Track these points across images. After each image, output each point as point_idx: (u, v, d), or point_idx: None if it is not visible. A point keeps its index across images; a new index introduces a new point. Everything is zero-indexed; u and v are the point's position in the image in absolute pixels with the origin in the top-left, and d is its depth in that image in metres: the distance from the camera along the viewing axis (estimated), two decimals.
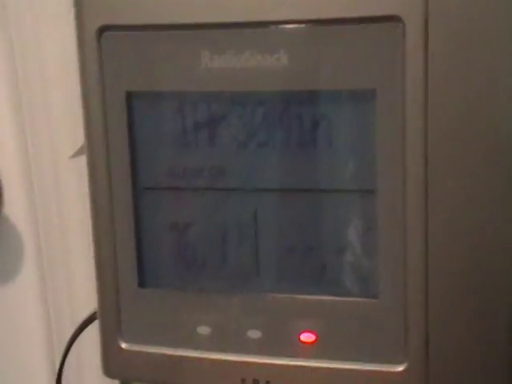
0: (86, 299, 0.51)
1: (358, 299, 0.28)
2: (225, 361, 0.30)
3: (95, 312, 0.32)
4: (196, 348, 0.30)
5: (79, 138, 0.48)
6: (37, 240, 0.52)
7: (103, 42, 0.29)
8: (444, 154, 0.27)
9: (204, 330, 0.30)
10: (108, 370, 0.31)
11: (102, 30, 0.28)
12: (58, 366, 0.41)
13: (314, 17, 0.27)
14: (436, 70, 0.26)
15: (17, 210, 0.51)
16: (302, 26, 0.27)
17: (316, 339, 0.29)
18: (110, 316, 0.31)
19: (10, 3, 0.47)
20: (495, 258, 0.27)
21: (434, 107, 0.27)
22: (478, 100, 0.26)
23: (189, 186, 0.30)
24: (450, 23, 0.26)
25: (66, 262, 0.52)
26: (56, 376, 0.38)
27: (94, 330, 0.36)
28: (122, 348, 0.31)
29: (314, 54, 0.27)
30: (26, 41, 0.47)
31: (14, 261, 0.54)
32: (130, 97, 0.29)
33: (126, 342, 0.31)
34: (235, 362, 0.30)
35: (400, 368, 0.28)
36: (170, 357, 0.30)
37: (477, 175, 0.27)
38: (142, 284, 0.30)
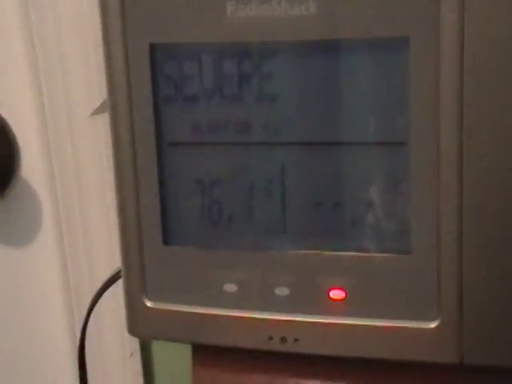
0: (106, 261, 0.52)
1: (390, 255, 0.28)
2: (252, 318, 0.29)
3: (118, 272, 0.32)
4: (222, 306, 0.30)
5: (96, 97, 0.48)
6: (55, 202, 0.52)
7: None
8: (479, 103, 0.26)
9: (230, 287, 0.30)
10: (133, 328, 0.31)
11: None
12: (78, 329, 0.41)
13: None
14: (472, 15, 0.26)
15: (35, 172, 0.51)
16: None
17: (345, 296, 0.29)
18: (135, 274, 0.31)
19: None
20: None
21: (470, 55, 0.26)
22: None
23: (214, 140, 0.29)
24: None
25: (84, 224, 0.52)
26: (79, 336, 0.38)
27: (115, 290, 0.36)
28: (147, 306, 0.31)
29: (343, 2, 0.27)
30: (42, 2, 0.47)
31: (33, 223, 0.54)
32: (153, 49, 0.29)
33: (152, 300, 0.31)
34: (262, 320, 0.29)
35: (433, 324, 0.28)
36: (196, 315, 0.30)
37: None
38: (166, 241, 0.30)
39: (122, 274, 0.31)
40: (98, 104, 0.45)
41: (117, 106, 0.29)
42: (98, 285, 0.39)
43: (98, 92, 0.46)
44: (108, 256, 0.51)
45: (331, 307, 0.29)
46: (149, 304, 0.31)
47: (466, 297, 0.28)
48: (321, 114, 0.28)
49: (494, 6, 0.26)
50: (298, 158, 0.29)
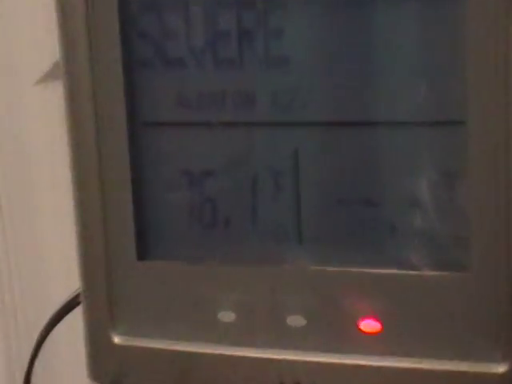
0: (60, 277, 0.44)
1: (441, 273, 0.21)
2: (255, 358, 0.23)
3: (76, 295, 0.26)
4: (217, 341, 0.23)
5: (46, 57, 0.40)
6: None
7: None
8: None
9: (227, 316, 0.23)
10: (95, 372, 0.24)
11: None
12: (20, 374, 0.34)
13: None
14: None
15: None
16: None
17: (381, 328, 0.22)
18: (99, 300, 0.24)
19: None
20: None
21: None
22: None
23: (206, 119, 0.23)
24: None
25: (31, 226, 0.44)
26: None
27: (71, 321, 0.29)
28: (115, 343, 0.24)
29: None
30: None
31: None
32: None
33: (121, 334, 0.24)
34: (270, 360, 0.23)
35: (500, 369, 0.21)
36: (181, 354, 0.24)
37: None
38: (142, 255, 0.24)
39: (82, 299, 0.24)
40: (47, 67, 0.38)
41: (73, 73, 0.23)
42: (49, 311, 0.32)
43: (48, 51, 0.39)
44: (63, 271, 0.43)
45: (362, 343, 0.22)
46: (117, 340, 0.24)
47: None
48: (346, 84, 0.22)
49: None
50: (317, 143, 0.23)
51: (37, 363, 0.29)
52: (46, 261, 0.42)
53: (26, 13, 0.36)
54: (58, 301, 0.29)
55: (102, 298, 0.24)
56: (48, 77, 0.33)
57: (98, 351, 0.25)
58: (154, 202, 0.24)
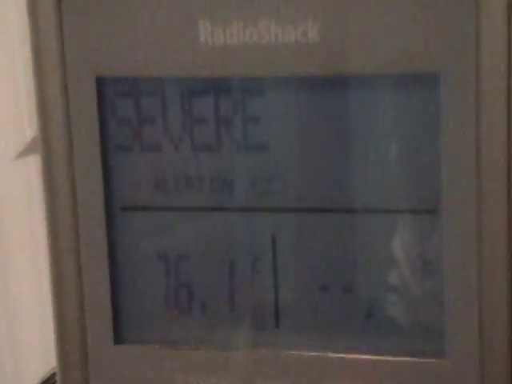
0: (37, 351, 0.43)
1: (417, 359, 0.22)
2: None
3: (53, 375, 0.26)
4: None
5: (27, 135, 0.41)
6: None
7: (64, 10, 0.22)
8: None
9: None
10: None
11: None
12: None
13: None
14: None
15: None
16: None
17: None
18: (74, 381, 0.24)
19: None
20: None
21: None
22: None
23: (182, 205, 0.23)
24: None
25: (7, 295, 0.44)
26: None
27: None
28: None
29: (353, 27, 0.21)
30: None
31: None
32: (101, 84, 0.23)
33: None
34: None
35: None
36: None
37: None
38: (118, 339, 0.23)
39: (58, 381, 0.24)
40: (27, 141, 0.38)
41: (52, 156, 0.23)
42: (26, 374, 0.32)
43: (29, 125, 0.39)
44: (40, 344, 0.43)
45: None
46: None
47: None
48: (323, 171, 0.22)
49: None
50: (294, 228, 0.23)
51: None
52: (22, 330, 0.41)
53: (9, 84, 0.37)
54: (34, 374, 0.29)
55: (77, 378, 0.24)
56: (28, 151, 0.34)
57: None
58: (131, 286, 0.24)
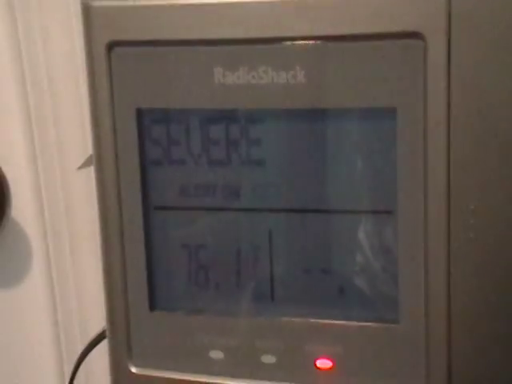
0: (96, 307, 0.52)
1: (377, 324, 0.28)
2: None
3: (104, 331, 0.33)
4: (208, 373, 0.30)
5: (89, 147, 0.49)
6: (45, 245, 0.53)
7: (113, 58, 0.29)
8: (468, 174, 0.27)
9: (217, 354, 0.30)
10: None
11: (112, 45, 0.29)
12: (67, 382, 0.41)
13: (331, 33, 0.27)
14: (459, 86, 0.26)
15: (25, 214, 0.52)
16: (319, 42, 0.27)
17: (333, 365, 0.29)
18: (120, 339, 0.31)
19: (18, 16, 0.47)
20: None
21: (458, 126, 0.27)
22: (505, 117, 0.26)
23: (201, 205, 0.30)
24: (474, 38, 0.26)
25: (75, 267, 0.53)
26: None
27: (104, 347, 0.36)
28: (132, 372, 0.31)
29: (331, 71, 0.27)
30: (35, 51, 0.48)
31: (23, 265, 0.55)
32: (140, 114, 0.29)
33: (137, 366, 0.31)
34: None
35: None
36: (182, 382, 0.30)
37: (502, 194, 0.27)
38: (152, 307, 0.30)
39: (107, 337, 0.31)
40: (90, 152, 0.46)
41: (103, 168, 0.30)
42: (90, 327, 0.38)
43: (91, 139, 0.47)
44: (100, 300, 0.51)
45: (318, 377, 0.29)
46: (134, 370, 0.31)
47: (454, 366, 0.28)
48: (308, 181, 0.29)
49: (480, 77, 0.26)
50: (286, 225, 0.29)
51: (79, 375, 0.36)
52: (86, 289, 0.50)
53: (76, 107, 0.45)
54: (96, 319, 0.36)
55: (121, 337, 0.31)
56: (85, 165, 0.41)
57: (119, 378, 0.31)
58: (162, 267, 0.31)
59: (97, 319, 0.51)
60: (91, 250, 0.53)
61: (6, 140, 0.53)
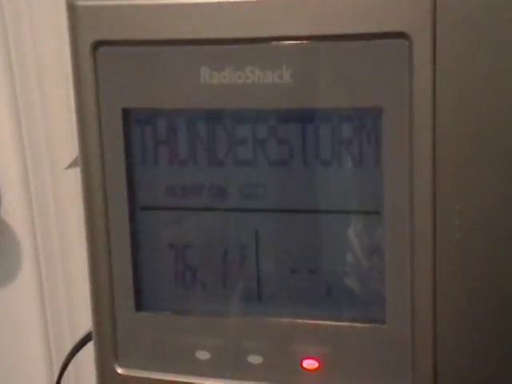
0: (85, 306, 0.52)
1: (364, 325, 0.28)
2: None
3: (90, 332, 0.33)
4: (195, 373, 0.30)
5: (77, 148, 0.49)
6: (34, 244, 0.53)
7: (98, 57, 0.29)
8: (453, 175, 0.27)
9: (203, 354, 0.30)
10: None
11: (98, 44, 0.29)
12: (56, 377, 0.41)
13: (317, 33, 0.27)
14: (444, 86, 0.26)
15: (14, 214, 0.52)
16: (305, 42, 0.27)
17: (319, 366, 0.29)
18: (106, 339, 0.31)
19: (7, 16, 0.47)
20: (510, 279, 0.27)
21: (443, 126, 0.27)
22: (489, 116, 0.27)
23: (188, 205, 0.30)
24: (459, 38, 0.26)
25: (64, 267, 0.53)
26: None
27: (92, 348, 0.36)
28: (118, 373, 0.31)
29: (317, 71, 0.27)
30: (24, 51, 0.48)
31: (12, 265, 0.55)
32: (126, 113, 0.29)
33: (122, 366, 0.31)
34: None
35: None
36: (168, 382, 0.30)
37: (488, 195, 0.27)
38: (138, 307, 0.30)
39: (93, 338, 0.31)
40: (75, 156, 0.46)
41: (89, 167, 0.30)
42: (79, 327, 0.38)
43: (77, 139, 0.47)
44: (89, 299, 0.52)
45: (304, 378, 0.29)
46: (119, 370, 0.31)
47: (440, 366, 0.28)
48: (294, 181, 0.29)
49: (466, 77, 0.26)
50: (273, 225, 0.30)
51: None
52: (75, 288, 0.50)
53: (64, 107, 0.45)
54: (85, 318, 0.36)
55: (107, 338, 0.31)
56: (72, 165, 0.41)
57: (105, 379, 0.31)
58: (149, 268, 0.31)
59: (86, 318, 0.51)
60: (80, 250, 0.53)
61: None
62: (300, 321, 0.29)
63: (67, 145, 0.50)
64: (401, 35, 0.26)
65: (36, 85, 0.50)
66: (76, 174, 0.52)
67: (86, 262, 0.51)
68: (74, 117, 0.50)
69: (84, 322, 0.53)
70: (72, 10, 0.29)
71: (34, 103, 0.50)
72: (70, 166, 0.43)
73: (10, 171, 0.53)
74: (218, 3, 0.28)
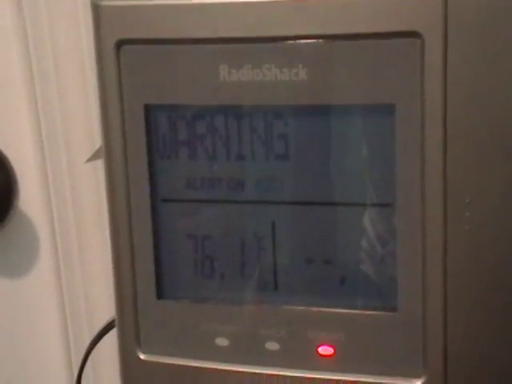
0: (103, 296, 0.54)
1: (377, 312, 0.30)
2: (242, 373, 0.31)
3: (113, 320, 0.34)
4: (214, 359, 0.32)
5: (95, 136, 0.50)
6: (52, 235, 0.55)
7: (121, 56, 0.30)
8: (463, 168, 0.29)
9: (222, 341, 0.32)
10: (126, 381, 0.33)
11: (121, 43, 0.30)
12: (75, 371, 0.43)
13: (332, 32, 0.28)
14: (455, 84, 0.28)
15: (32, 204, 0.54)
16: (321, 40, 0.29)
17: (334, 352, 0.31)
18: (129, 327, 0.33)
19: (26, 8, 0.49)
20: None
21: (454, 122, 0.28)
22: (499, 114, 0.28)
23: (207, 198, 0.31)
24: (470, 38, 0.28)
25: (81, 258, 0.55)
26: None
27: (110, 337, 0.38)
28: (140, 359, 0.33)
29: (332, 69, 0.29)
30: (43, 45, 0.50)
31: (30, 256, 0.57)
32: (148, 109, 0.31)
33: (144, 352, 0.33)
34: (252, 374, 0.31)
35: (418, 382, 0.30)
36: (188, 368, 0.32)
37: (497, 188, 0.28)
38: (160, 295, 0.32)
39: (116, 325, 0.33)
40: (96, 144, 0.48)
41: (112, 161, 0.32)
42: (96, 317, 0.40)
43: (98, 132, 0.49)
44: (107, 289, 0.54)
45: (320, 363, 0.31)
46: (142, 356, 0.33)
47: (451, 355, 0.30)
48: (310, 174, 0.31)
49: (477, 75, 0.28)
50: (288, 217, 0.31)
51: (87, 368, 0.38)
52: (93, 278, 0.52)
53: (83, 100, 0.47)
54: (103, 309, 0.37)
55: (130, 325, 0.33)
56: (94, 157, 0.42)
57: (128, 364, 0.33)
58: (169, 257, 0.32)
59: (104, 308, 0.53)
60: (98, 240, 0.55)
61: (14, 132, 0.55)
62: (315, 309, 0.31)
63: (85, 137, 0.52)
64: (413, 34, 0.28)
65: (54, 78, 0.51)
66: (94, 165, 0.54)
67: (103, 253, 0.53)
68: (91, 110, 0.52)
69: (101, 310, 0.55)
70: (96, 10, 0.31)
71: (52, 97, 0.52)
72: (91, 158, 0.45)
73: (29, 163, 0.55)
74: (237, 3, 0.29)
